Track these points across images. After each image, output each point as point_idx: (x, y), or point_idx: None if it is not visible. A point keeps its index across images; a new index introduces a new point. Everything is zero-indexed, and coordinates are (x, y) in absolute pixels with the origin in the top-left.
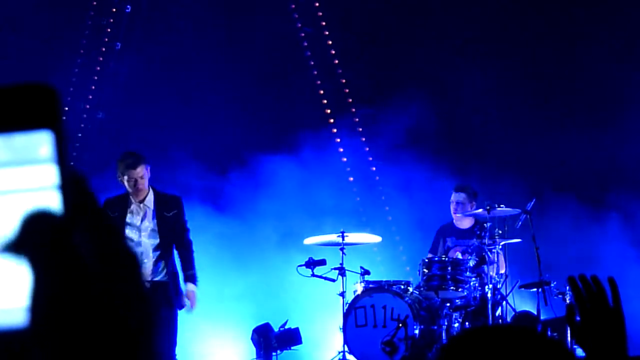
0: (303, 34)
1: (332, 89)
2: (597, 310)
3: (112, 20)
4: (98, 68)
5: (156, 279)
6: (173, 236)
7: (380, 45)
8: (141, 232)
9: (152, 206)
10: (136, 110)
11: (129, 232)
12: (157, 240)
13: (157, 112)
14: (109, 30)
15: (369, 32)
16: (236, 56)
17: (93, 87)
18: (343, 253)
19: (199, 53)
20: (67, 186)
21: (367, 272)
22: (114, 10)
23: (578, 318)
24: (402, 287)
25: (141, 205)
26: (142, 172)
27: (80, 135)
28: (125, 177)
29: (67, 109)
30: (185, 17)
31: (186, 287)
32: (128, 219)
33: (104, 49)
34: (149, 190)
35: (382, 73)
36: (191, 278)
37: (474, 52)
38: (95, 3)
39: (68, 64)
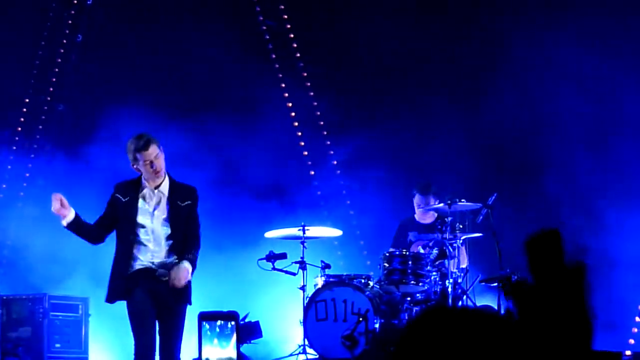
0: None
1: (293, 81)
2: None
3: (73, 12)
4: (59, 60)
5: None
6: (185, 227)
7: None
8: (153, 218)
9: (166, 193)
10: (97, 102)
11: (141, 219)
12: (169, 230)
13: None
14: (70, 22)
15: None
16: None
17: (54, 79)
18: (304, 247)
19: (161, 43)
20: None
21: (327, 266)
22: (75, 2)
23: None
24: (363, 281)
25: (155, 191)
26: (156, 152)
27: (40, 127)
28: (141, 162)
29: (27, 100)
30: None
31: (180, 263)
32: (140, 204)
33: (65, 41)
34: (164, 177)
35: (346, 70)
36: (188, 260)
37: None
38: None
39: (29, 56)
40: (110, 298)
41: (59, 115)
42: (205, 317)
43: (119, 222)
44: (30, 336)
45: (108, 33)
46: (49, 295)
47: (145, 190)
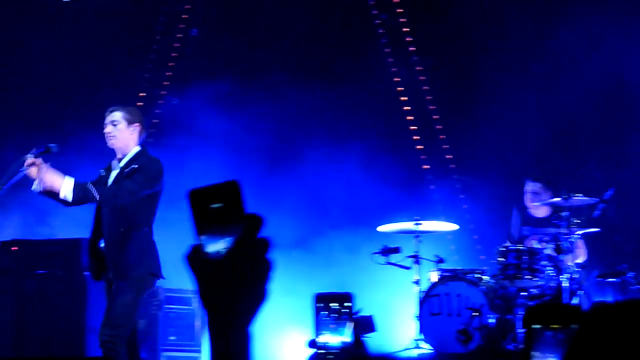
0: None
1: (409, 79)
2: None
3: (189, 6)
4: (174, 54)
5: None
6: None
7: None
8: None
9: (121, 166)
10: (210, 96)
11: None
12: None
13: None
14: (184, 16)
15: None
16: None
17: (169, 73)
18: (418, 241)
19: (276, 35)
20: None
21: (442, 260)
22: None
23: None
24: (477, 275)
25: (117, 164)
26: (113, 118)
27: (156, 120)
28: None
29: (144, 94)
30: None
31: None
32: (109, 179)
33: (179, 35)
34: (128, 152)
35: (459, 62)
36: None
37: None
38: None
39: (144, 50)
40: None
41: (174, 109)
42: (321, 299)
43: None
44: (145, 328)
45: (222, 27)
46: (164, 287)
47: (112, 162)
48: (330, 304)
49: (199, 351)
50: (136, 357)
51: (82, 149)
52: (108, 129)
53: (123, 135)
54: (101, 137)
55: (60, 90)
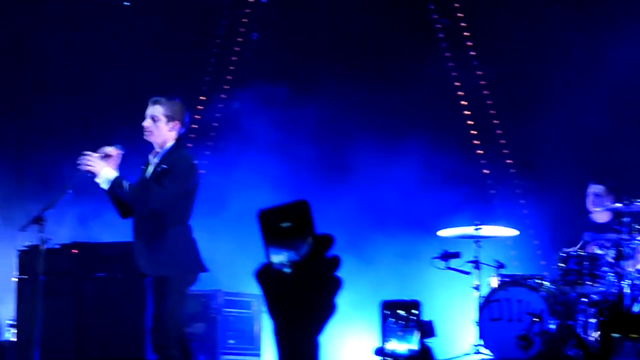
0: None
1: (469, 84)
2: None
3: (248, 11)
4: (234, 58)
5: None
6: None
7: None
8: None
9: (157, 161)
10: (266, 101)
11: None
12: None
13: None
14: (245, 20)
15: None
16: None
17: (229, 77)
18: (478, 246)
19: (334, 40)
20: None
21: (502, 266)
22: (251, 0)
23: None
24: (537, 281)
25: (153, 159)
26: (153, 112)
27: (216, 124)
28: None
29: (204, 98)
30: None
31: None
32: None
33: (240, 39)
34: (162, 146)
35: (520, 67)
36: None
37: None
38: None
39: (205, 54)
40: None
41: (235, 113)
42: (388, 306)
43: None
44: (204, 332)
45: (283, 31)
46: (223, 291)
47: (149, 158)
48: (398, 311)
49: (258, 355)
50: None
51: (144, 152)
52: (147, 122)
53: (161, 132)
54: None
55: (122, 95)
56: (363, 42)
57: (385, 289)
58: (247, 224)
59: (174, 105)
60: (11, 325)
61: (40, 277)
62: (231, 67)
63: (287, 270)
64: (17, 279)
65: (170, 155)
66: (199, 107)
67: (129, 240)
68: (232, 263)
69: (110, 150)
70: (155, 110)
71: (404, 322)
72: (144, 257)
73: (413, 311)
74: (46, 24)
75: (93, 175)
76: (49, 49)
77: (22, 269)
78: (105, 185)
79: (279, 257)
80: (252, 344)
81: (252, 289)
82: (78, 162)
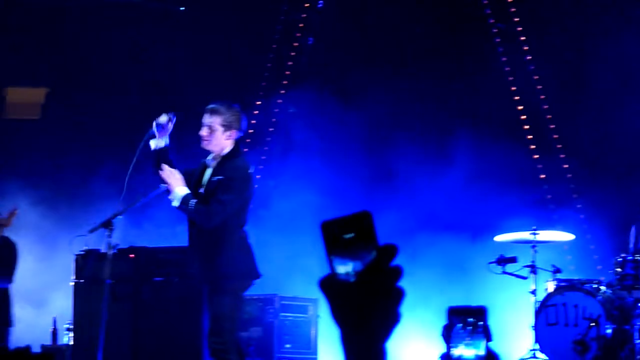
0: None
1: (525, 88)
2: None
3: (304, 15)
4: (290, 63)
5: None
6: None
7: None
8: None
9: (212, 168)
10: (327, 104)
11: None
12: None
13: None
14: (301, 25)
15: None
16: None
17: (285, 82)
18: (535, 251)
19: (389, 44)
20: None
21: (558, 270)
22: (307, 5)
23: None
24: (594, 286)
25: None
26: (208, 120)
27: (272, 129)
28: None
29: (259, 103)
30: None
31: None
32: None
33: (296, 44)
34: (219, 154)
35: (577, 72)
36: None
37: None
38: None
39: (261, 59)
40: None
41: (291, 118)
42: (454, 312)
43: None
44: (261, 336)
45: (338, 35)
46: (280, 296)
47: (207, 160)
48: (465, 317)
49: (315, 359)
50: None
51: (200, 157)
52: (203, 131)
53: (218, 141)
54: None
55: (180, 99)
56: (419, 47)
57: (442, 295)
58: (302, 229)
59: (231, 115)
60: (68, 329)
61: (107, 281)
62: (287, 72)
63: (352, 279)
64: (74, 283)
65: (227, 163)
66: (255, 112)
67: (184, 245)
68: (289, 268)
69: (162, 119)
70: (212, 120)
71: (471, 328)
72: (202, 263)
73: (480, 317)
74: (104, 31)
75: (168, 190)
76: (111, 54)
77: (79, 273)
78: (176, 203)
79: (344, 267)
80: (308, 348)
81: (309, 293)
82: (160, 174)
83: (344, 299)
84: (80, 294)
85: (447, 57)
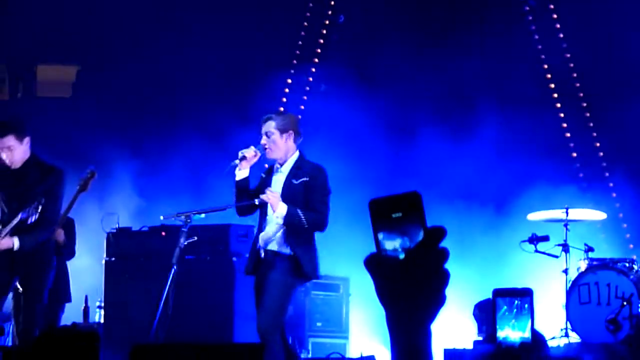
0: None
1: (558, 67)
2: None
3: None
4: (321, 41)
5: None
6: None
7: None
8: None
9: (285, 172)
10: (358, 83)
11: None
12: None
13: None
14: (332, 3)
15: None
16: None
17: (316, 60)
18: (567, 229)
19: (419, 18)
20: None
21: (591, 249)
22: None
23: None
24: (627, 265)
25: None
26: (267, 129)
27: (302, 107)
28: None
29: (290, 81)
30: None
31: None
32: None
33: (327, 22)
34: (286, 159)
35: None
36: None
37: None
38: None
39: (292, 37)
40: None
41: (322, 96)
42: (500, 293)
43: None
44: (292, 314)
45: (370, 13)
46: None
47: (274, 166)
48: (511, 299)
49: (346, 337)
50: (284, 342)
51: (238, 148)
52: (263, 140)
53: (278, 145)
54: (256, 132)
55: (211, 76)
56: (448, 22)
57: (475, 273)
58: (337, 207)
59: (285, 118)
60: (99, 307)
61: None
62: (318, 50)
63: (400, 256)
64: (105, 261)
65: (303, 166)
66: (285, 89)
67: (216, 223)
68: (320, 246)
69: (247, 152)
70: (268, 126)
71: (517, 310)
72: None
73: (526, 299)
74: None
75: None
76: (135, 47)
77: (109, 252)
78: (280, 220)
79: (393, 244)
80: (339, 326)
81: (340, 272)
82: (261, 195)
83: (390, 278)
84: (112, 272)
85: (474, 30)
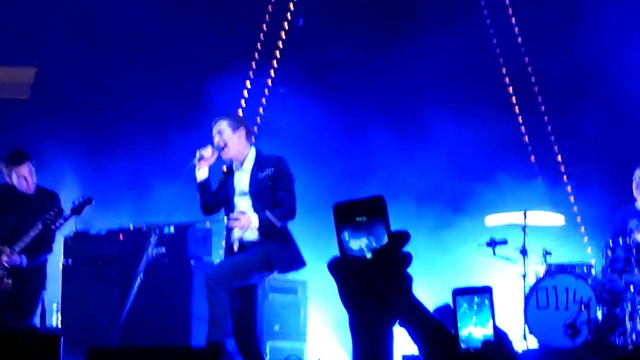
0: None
1: (516, 68)
2: None
3: None
4: (280, 44)
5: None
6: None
7: None
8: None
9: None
10: (317, 86)
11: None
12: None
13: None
14: (291, 6)
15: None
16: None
17: (275, 64)
18: (525, 233)
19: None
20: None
21: (549, 254)
22: None
23: None
24: (585, 269)
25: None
26: (219, 128)
27: (261, 109)
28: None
29: (249, 85)
30: None
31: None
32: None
33: (286, 26)
34: (249, 152)
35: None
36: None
37: None
38: None
39: (250, 40)
40: None
41: (281, 99)
42: (460, 292)
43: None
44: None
45: (328, 17)
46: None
47: (233, 166)
48: (471, 297)
49: (303, 340)
50: (256, 345)
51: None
52: (216, 139)
53: (232, 142)
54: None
55: (173, 77)
56: (406, 21)
57: (432, 277)
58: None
59: (234, 117)
60: (57, 310)
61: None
62: (277, 53)
63: (367, 255)
64: (63, 265)
65: (263, 161)
66: (244, 91)
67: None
68: None
69: (205, 151)
70: (219, 125)
71: (477, 308)
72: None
73: (486, 297)
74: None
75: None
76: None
77: (67, 255)
78: (254, 232)
79: (358, 243)
80: (297, 329)
81: (298, 275)
82: (229, 223)
83: (357, 278)
84: (69, 276)
85: (432, 29)
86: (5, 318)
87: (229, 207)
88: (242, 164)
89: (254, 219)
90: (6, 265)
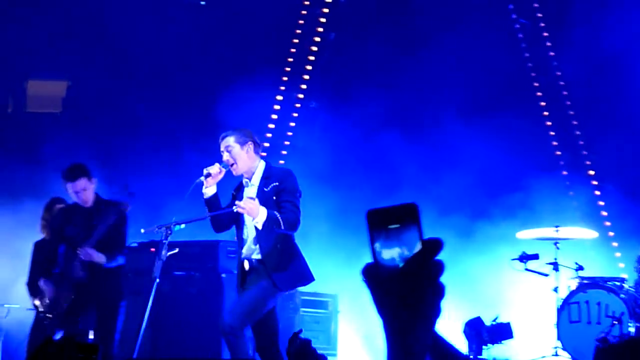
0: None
1: (548, 85)
2: None
3: (326, 10)
4: (312, 58)
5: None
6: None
7: None
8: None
9: (256, 184)
10: (346, 101)
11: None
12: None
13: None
14: (323, 20)
15: None
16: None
17: (306, 77)
18: (557, 247)
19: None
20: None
21: (581, 268)
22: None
23: None
24: (617, 283)
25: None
26: (225, 144)
27: (294, 124)
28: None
29: (281, 98)
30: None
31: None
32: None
33: (318, 39)
34: (257, 166)
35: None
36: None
37: None
38: None
39: (282, 53)
40: None
41: (311, 113)
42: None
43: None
44: (282, 331)
45: (360, 30)
46: (300, 291)
47: (242, 182)
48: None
49: (334, 354)
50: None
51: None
52: (225, 156)
53: (240, 158)
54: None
55: (199, 95)
56: (442, 44)
57: (464, 290)
58: (324, 224)
59: (241, 131)
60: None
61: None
62: (308, 67)
63: (399, 265)
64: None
65: (271, 174)
66: (275, 106)
67: (205, 240)
68: (310, 263)
69: (212, 169)
70: (227, 142)
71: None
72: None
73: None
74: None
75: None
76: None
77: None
78: (259, 226)
79: (390, 253)
80: (328, 343)
81: (329, 289)
82: (235, 205)
83: (389, 288)
84: None
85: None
86: (77, 322)
87: (239, 224)
88: (250, 179)
89: (262, 212)
90: (83, 258)
